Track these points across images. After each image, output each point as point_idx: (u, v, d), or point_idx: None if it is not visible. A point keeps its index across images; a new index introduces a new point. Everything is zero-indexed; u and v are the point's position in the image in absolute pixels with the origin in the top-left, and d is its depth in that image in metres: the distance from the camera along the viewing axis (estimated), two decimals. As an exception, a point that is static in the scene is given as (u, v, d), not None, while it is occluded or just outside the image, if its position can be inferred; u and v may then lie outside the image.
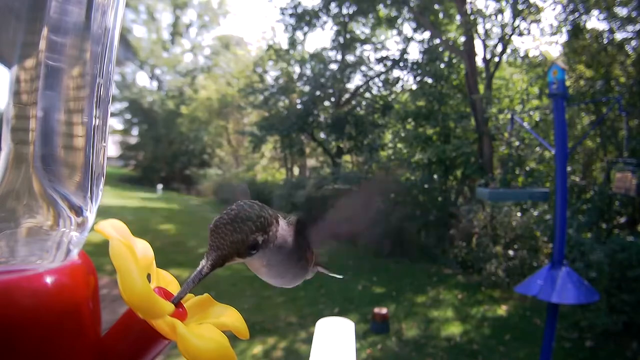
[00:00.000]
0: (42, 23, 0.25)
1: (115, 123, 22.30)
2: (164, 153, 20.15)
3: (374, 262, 7.20)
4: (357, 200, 0.44)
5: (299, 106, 12.05)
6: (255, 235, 0.33)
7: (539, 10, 7.71)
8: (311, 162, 14.62)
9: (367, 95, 11.89)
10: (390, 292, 5.83)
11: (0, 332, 0.22)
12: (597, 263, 4.41)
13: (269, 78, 13.55)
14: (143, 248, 0.31)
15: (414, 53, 16.22)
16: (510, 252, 6.19)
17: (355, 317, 4.76)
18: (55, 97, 0.26)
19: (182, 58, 23.34)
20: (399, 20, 10.76)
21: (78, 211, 0.28)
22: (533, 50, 8.56)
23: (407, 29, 12.11)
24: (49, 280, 0.25)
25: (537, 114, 7.30)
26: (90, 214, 0.29)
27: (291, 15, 11.57)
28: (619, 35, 6.86)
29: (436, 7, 9.67)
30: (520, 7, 7.85)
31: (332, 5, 11.07)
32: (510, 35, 8.15)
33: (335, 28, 11.53)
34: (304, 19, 11.50)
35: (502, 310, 5.26)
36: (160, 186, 18.31)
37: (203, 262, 0.31)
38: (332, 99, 11.81)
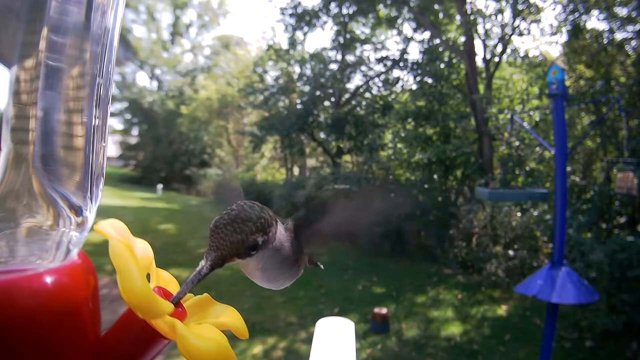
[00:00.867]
0: (42, 23, 0.25)
1: (115, 123, 22.33)
2: (164, 153, 20.15)
3: (374, 262, 7.20)
4: (357, 201, 0.44)
5: (299, 106, 12.04)
6: (255, 236, 0.32)
7: (539, 10, 7.71)
8: (311, 162, 14.61)
9: (367, 95, 11.88)
10: (390, 292, 5.83)
11: (0, 332, 0.22)
12: (597, 263, 4.41)
13: (269, 78, 13.54)
14: (143, 248, 0.31)
15: (414, 53, 16.24)
16: (510, 252, 6.20)
17: (355, 317, 4.76)
18: (55, 97, 0.26)
19: (182, 58, 23.37)
20: (399, 20, 10.76)
21: (78, 211, 0.28)
22: (533, 50, 8.58)
23: (407, 29, 12.12)
24: (48, 280, 0.25)
25: (537, 114, 7.30)
26: (90, 214, 0.29)
27: (291, 15, 11.57)
28: (619, 35, 6.87)
29: (436, 7, 9.67)
30: (520, 7, 7.85)
31: (332, 5, 11.07)
32: (510, 35, 8.16)
33: (335, 28, 11.52)
34: (304, 19, 11.50)
35: (502, 310, 5.26)
36: (160, 186, 18.31)
37: (202, 263, 0.31)
38: (332, 99, 11.81)
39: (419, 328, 4.68)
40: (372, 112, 11.10)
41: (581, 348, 4.28)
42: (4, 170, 0.25)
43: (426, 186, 8.29)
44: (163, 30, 23.03)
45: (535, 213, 6.25)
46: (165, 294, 0.30)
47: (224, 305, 0.33)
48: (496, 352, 4.18)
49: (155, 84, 23.73)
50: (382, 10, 10.78)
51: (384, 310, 4.54)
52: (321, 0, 11.11)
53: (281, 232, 0.37)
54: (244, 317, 0.32)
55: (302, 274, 0.44)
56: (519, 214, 6.35)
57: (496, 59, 8.43)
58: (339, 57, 11.77)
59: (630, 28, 6.64)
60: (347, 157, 12.16)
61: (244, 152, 17.79)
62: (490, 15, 8.33)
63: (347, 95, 11.88)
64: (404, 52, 10.83)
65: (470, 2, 8.33)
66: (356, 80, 11.96)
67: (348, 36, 11.52)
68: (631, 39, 6.74)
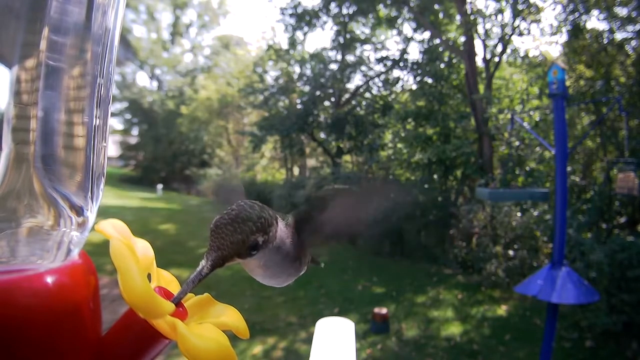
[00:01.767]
0: (42, 23, 0.25)
1: (115, 123, 22.36)
2: (164, 153, 20.17)
3: (374, 262, 7.20)
4: (357, 201, 0.44)
5: (299, 106, 12.04)
6: (256, 235, 0.33)
7: (539, 10, 7.71)
8: (311, 162, 14.61)
9: (367, 95, 11.88)
10: (390, 292, 5.83)
11: (1, 332, 0.22)
12: (597, 263, 4.41)
13: (269, 78, 13.55)
14: (143, 248, 0.31)
15: (414, 53, 16.24)
16: (510, 252, 6.19)
17: (355, 317, 4.76)
18: (55, 97, 0.26)
19: (182, 58, 23.39)
20: (399, 20, 10.76)
21: (79, 211, 0.28)
22: (533, 50, 8.57)
23: (407, 29, 12.12)
24: (49, 280, 0.25)
25: (537, 114, 7.29)
26: (91, 214, 0.29)
27: (291, 15, 11.57)
28: (619, 35, 6.86)
29: (436, 7, 9.67)
30: (520, 7, 7.85)
31: (332, 5, 11.07)
32: (510, 35, 8.15)
33: (335, 28, 11.52)
34: (304, 19, 11.50)
35: (502, 310, 5.26)
36: (160, 186, 18.33)
37: (203, 263, 0.31)
38: (332, 99, 11.81)
39: (419, 328, 4.68)
40: (372, 112, 11.10)
41: (581, 348, 4.28)
42: (4, 170, 0.25)
43: (426, 186, 8.29)
44: (163, 30, 23.07)
45: (535, 213, 6.25)
46: (166, 294, 0.30)
47: (224, 305, 0.33)
48: (496, 352, 4.18)
49: (155, 84, 23.77)
50: (382, 10, 10.78)
51: (384, 310, 4.53)
52: (321, 0, 11.12)
53: (282, 230, 0.37)
54: (244, 317, 0.32)
55: (305, 271, 0.44)
56: (519, 214, 6.35)
57: (496, 59, 8.43)
58: (339, 57, 11.77)
59: (630, 28, 6.64)
60: (347, 157, 12.16)
61: (244, 152, 17.80)
62: (490, 15, 8.33)
63: (347, 95, 11.88)
64: (404, 52, 10.83)
65: (470, 2, 8.33)
66: (356, 80, 11.98)
67: (348, 36, 11.52)
68: (631, 39, 6.74)
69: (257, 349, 4.07)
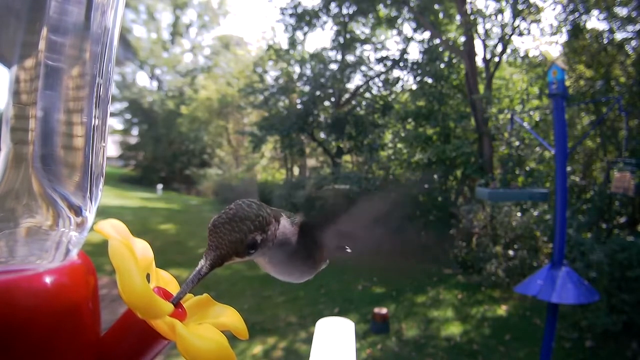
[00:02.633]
0: (42, 23, 0.25)
1: (115, 123, 22.36)
2: (164, 153, 20.17)
3: (374, 262, 7.20)
4: (376, 208, 0.44)
5: (299, 106, 12.04)
6: (254, 234, 0.32)
7: (539, 10, 7.71)
8: (311, 162, 14.61)
9: (367, 95, 11.88)
10: (390, 292, 5.83)
11: (1, 331, 0.22)
12: (597, 263, 4.41)
13: (269, 78, 13.55)
14: (142, 248, 0.31)
15: (414, 53, 16.21)
16: (510, 252, 6.19)
17: (355, 317, 4.76)
18: (55, 97, 0.26)
19: (182, 58, 23.38)
20: (399, 20, 10.76)
21: (77, 211, 0.28)
22: (533, 50, 8.57)
23: (407, 29, 12.12)
24: (48, 280, 0.25)
25: (537, 114, 7.30)
26: (90, 214, 0.29)
27: (291, 15, 11.57)
28: (619, 35, 6.86)
29: (436, 7, 9.67)
30: (520, 7, 7.85)
31: (332, 5, 11.07)
32: (510, 35, 8.15)
33: (335, 28, 11.52)
34: (304, 19, 11.50)
35: (502, 310, 5.26)
36: (160, 186, 18.33)
37: (202, 262, 0.31)
38: (332, 99, 11.80)
39: (419, 328, 4.68)
40: (372, 112, 11.10)
41: (581, 348, 4.28)
42: (3, 170, 0.25)
43: (426, 186, 8.28)
44: (163, 30, 23.06)
45: (535, 213, 6.25)
46: (165, 294, 0.30)
47: (223, 306, 0.33)
48: (496, 352, 4.18)
49: (155, 84, 23.76)
50: (382, 10, 10.78)
51: (384, 310, 4.53)
52: (321, 0, 11.12)
53: (286, 227, 0.37)
54: (243, 317, 0.32)
55: (323, 268, 0.45)
56: (519, 214, 6.35)
57: (496, 59, 8.43)
58: (339, 57, 11.77)
59: (630, 28, 6.64)
60: (347, 157, 12.16)
61: (244, 152, 17.80)
62: (490, 15, 8.33)
63: (347, 95, 11.88)
64: (404, 52, 10.83)
65: (470, 2, 8.33)
66: (356, 80, 11.97)
67: (348, 36, 11.52)
68: (631, 39, 6.74)
69: (257, 349, 4.07)
